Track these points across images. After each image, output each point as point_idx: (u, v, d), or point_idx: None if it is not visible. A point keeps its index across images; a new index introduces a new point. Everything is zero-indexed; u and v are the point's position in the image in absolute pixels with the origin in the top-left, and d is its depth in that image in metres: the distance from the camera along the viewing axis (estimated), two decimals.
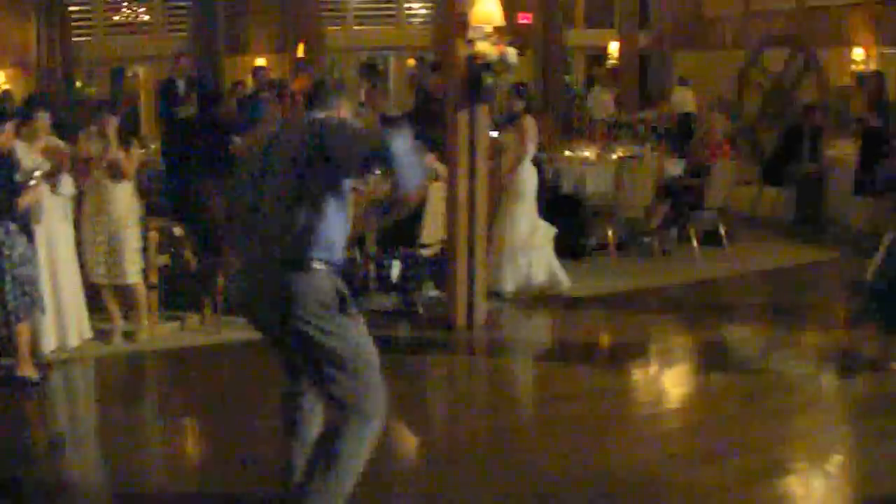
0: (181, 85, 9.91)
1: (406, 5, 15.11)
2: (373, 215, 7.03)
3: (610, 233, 8.83)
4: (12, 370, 5.88)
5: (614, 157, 9.32)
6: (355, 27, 14.96)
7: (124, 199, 6.55)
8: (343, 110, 3.78)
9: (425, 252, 7.33)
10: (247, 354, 6.20)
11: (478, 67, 6.04)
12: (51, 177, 6.17)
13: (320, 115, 3.70)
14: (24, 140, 6.06)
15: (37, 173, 5.98)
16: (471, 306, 6.78)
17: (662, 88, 14.97)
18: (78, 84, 13.47)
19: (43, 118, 6.16)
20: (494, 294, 7.51)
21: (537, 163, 7.94)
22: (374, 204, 7.71)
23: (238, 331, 6.48)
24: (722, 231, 9.10)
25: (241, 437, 5.09)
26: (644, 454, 4.74)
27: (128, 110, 9.79)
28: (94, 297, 6.78)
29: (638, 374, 6.26)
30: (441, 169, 7.21)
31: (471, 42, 6.10)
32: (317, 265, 3.52)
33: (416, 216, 7.16)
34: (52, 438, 5.42)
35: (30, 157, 6.07)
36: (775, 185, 10.78)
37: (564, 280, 7.75)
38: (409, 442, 5.16)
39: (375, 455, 3.73)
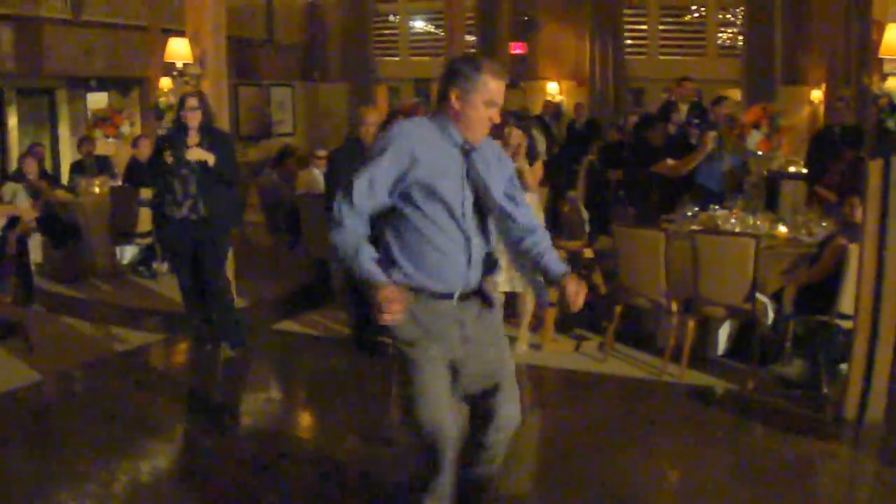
0: (682, 108, 9.69)
1: None
2: None
3: None
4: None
5: None
6: None
7: None
8: None
9: (844, 323, 6.21)
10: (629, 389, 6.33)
11: (879, 109, 4.92)
12: None
13: None
14: None
15: None
16: (865, 396, 5.61)
17: None
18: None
19: None
20: None
21: None
22: None
23: (625, 364, 6.69)
24: None
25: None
26: None
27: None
28: None
29: None
30: None
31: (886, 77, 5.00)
32: None
33: (837, 278, 6.14)
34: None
35: None
36: None
37: None
38: None
39: None
